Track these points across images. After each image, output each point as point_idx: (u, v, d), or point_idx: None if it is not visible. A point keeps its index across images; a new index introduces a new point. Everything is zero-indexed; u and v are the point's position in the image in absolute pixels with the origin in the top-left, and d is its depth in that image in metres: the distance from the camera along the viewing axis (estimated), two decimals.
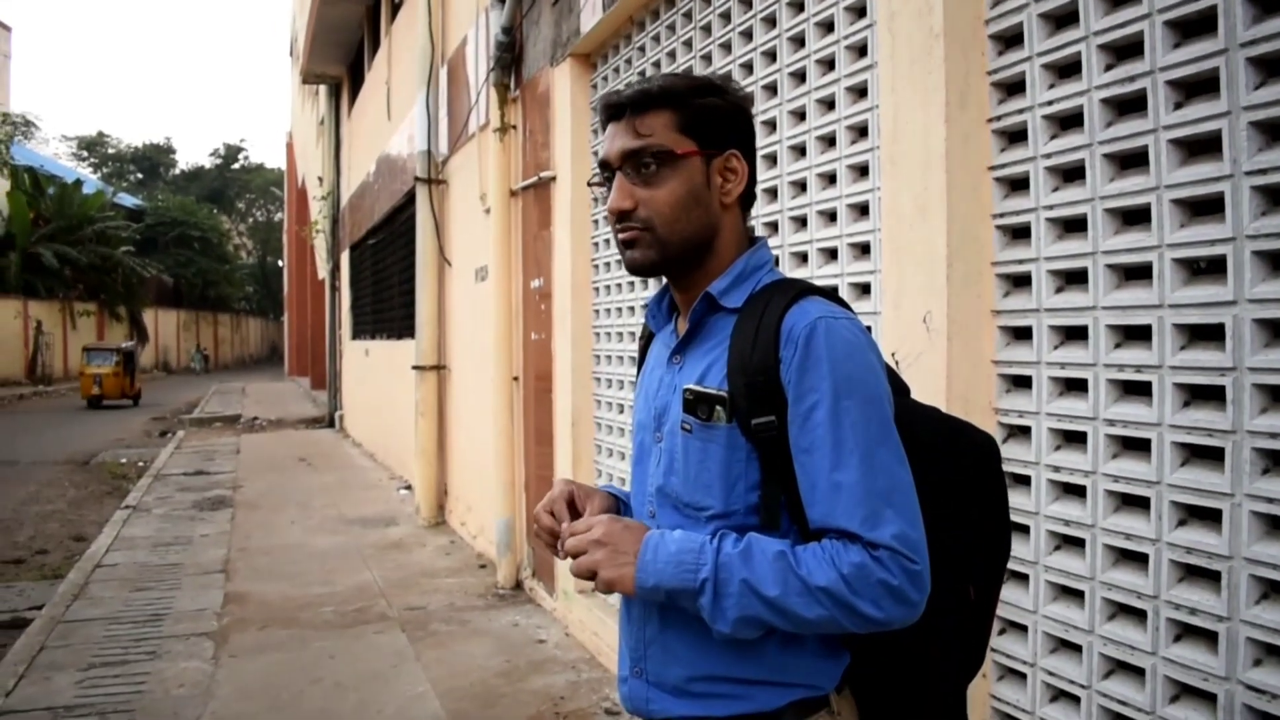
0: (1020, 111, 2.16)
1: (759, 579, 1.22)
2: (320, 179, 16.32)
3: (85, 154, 54.68)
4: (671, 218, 1.33)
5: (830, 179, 2.85)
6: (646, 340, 1.57)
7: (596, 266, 4.86)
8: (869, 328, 2.56)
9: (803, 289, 1.32)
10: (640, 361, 1.59)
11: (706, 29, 3.56)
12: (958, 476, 1.35)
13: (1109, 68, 1.98)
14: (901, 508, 1.21)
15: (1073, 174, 2.08)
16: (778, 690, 1.30)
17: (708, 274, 1.38)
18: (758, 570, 1.23)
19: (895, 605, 1.19)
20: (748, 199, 1.41)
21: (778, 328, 1.26)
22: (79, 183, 33.55)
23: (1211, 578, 1.80)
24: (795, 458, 1.25)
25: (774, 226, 3.11)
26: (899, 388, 1.44)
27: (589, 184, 1.44)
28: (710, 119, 1.34)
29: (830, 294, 1.34)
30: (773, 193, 3.13)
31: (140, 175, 56.38)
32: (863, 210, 2.71)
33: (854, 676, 1.35)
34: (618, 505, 1.49)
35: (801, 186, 3.00)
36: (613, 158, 1.36)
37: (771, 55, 3.14)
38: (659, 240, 1.34)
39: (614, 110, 1.37)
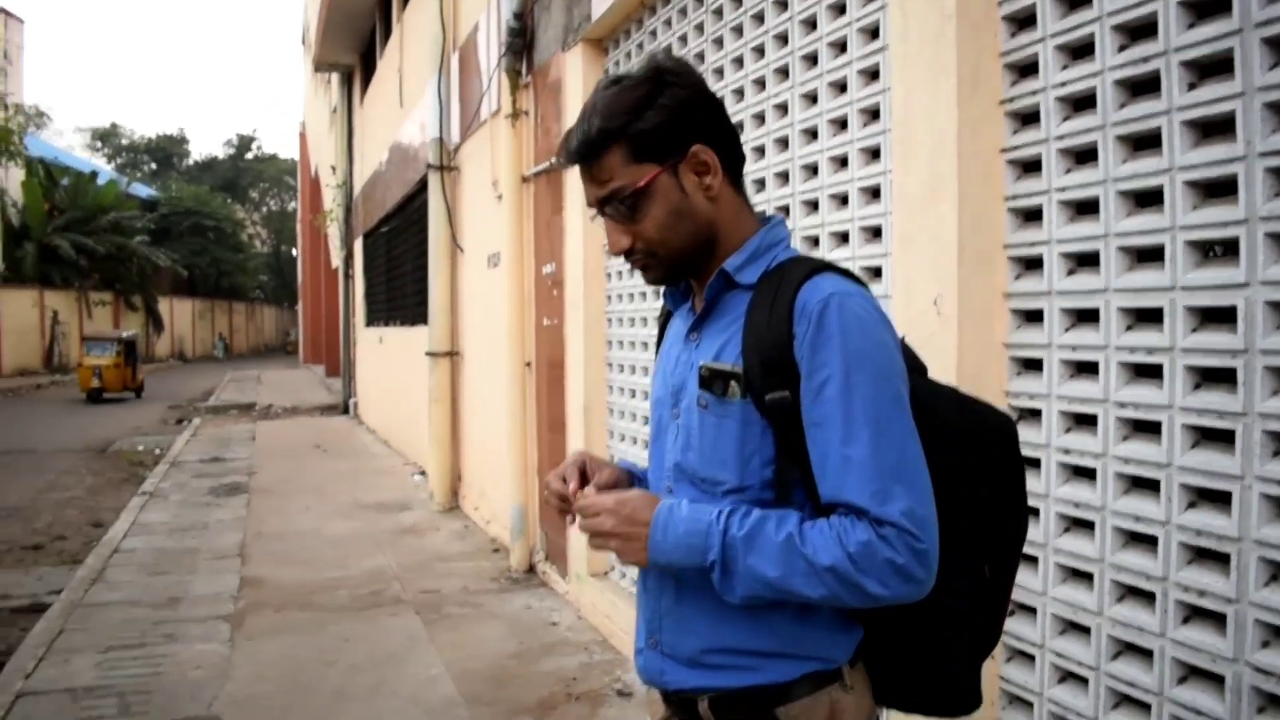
0: (1033, 93, 2.15)
1: (763, 563, 1.24)
2: (333, 168, 16.33)
3: (99, 145, 54.90)
4: (663, 240, 1.35)
5: (842, 162, 2.84)
6: (665, 317, 1.58)
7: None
8: None
9: (817, 265, 1.32)
10: (660, 339, 1.60)
11: (718, 12, 3.54)
12: (974, 456, 1.35)
13: (1122, 48, 1.96)
14: (911, 484, 1.22)
15: (1085, 156, 2.07)
16: (791, 663, 1.31)
17: (720, 258, 1.39)
18: (763, 553, 1.24)
19: (901, 583, 1.21)
20: (735, 170, 1.39)
21: (791, 303, 1.27)
22: (94, 174, 33.69)
23: (1221, 560, 1.79)
24: (807, 432, 1.26)
25: (786, 210, 3.09)
26: (916, 366, 1.44)
27: (591, 219, 1.44)
28: (657, 134, 1.31)
29: (846, 271, 1.34)
30: (784, 177, 3.12)
31: (154, 165, 56.59)
32: (874, 194, 2.70)
33: (867, 650, 1.36)
34: (631, 480, 1.50)
35: (813, 170, 2.98)
36: (592, 204, 1.38)
37: (783, 39, 3.12)
38: (662, 261, 1.37)
39: (570, 161, 1.37)
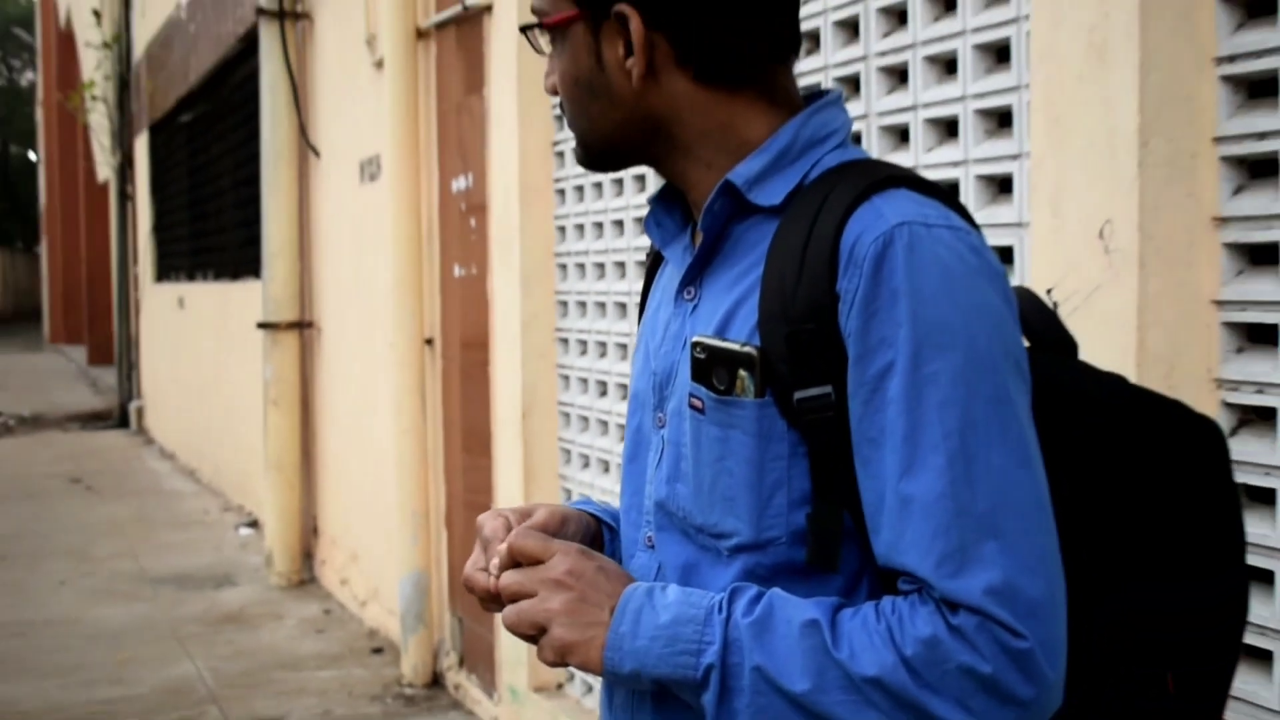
0: None
1: (779, 667, 1.24)
2: (97, 14, 16.16)
3: None
4: (572, 111, 1.46)
5: (946, 2, 2.83)
6: (654, 260, 1.63)
7: (561, 155, 4.85)
8: (1008, 250, 2.59)
9: (883, 176, 1.33)
10: (644, 295, 1.63)
11: None
12: (1154, 489, 1.36)
13: None
14: (1013, 543, 1.21)
15: None
16: None
17: (697, 165, 1.43)
18: (778, 652, 1.25)
19: (992, 705, 1.20)
20: (716, 68, 1.40)
21: (835, 241, 1.28)
22: None
23: None
24: (856, 453, 1.28)
25: (853, 82, 3.10)
26: (1054, 342, 1.47)
27: (522, 29, 1.49)
28: None
29: (930, 185, 1.35)
30: (852, 27, 3.12)
31: None
32: (1000, 54, 2.69)
33: None
34: (600, 531, 1.57)
35: (899, 15, 2.97)
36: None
37: None
38: (578, 136, 1.48)
39: None
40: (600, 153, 1.47)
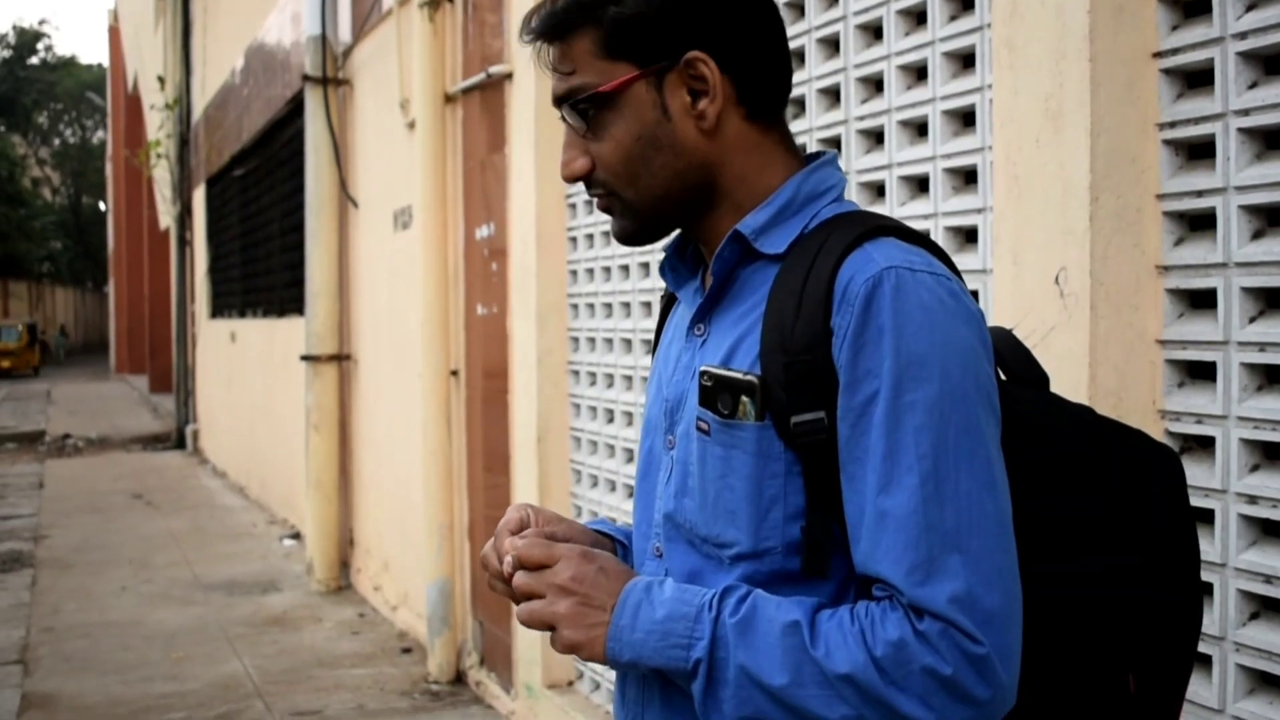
0: None
1: (760, 663, 1.26)
2: (161, 79, 16.28)
3: None
4: (627, 176, 1.40)
5: (918, 73, 2.86)
6: (668, 302, 1.64)
7: (574, 206, 4.88)
8: (974, 293, 2.56)
9: (874, 226, 1.35)
10: (658, 333, 1.65)
11: None
12: (1117, 511, 1.37)
13: None
14: (976, 557, 1.22)
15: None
16: None
17: (730, 215, 1.43)
18: (760, 649, 1.27)
19: (951, 703, 1.21)
20: (762, 97, 1.42)
21: (830, 282, 1.30)
22: None
23: None
24: (843, 470, 1.29)
25: (835, 143, 3.13)
26: (1032, 377, 1.49)
27: (555, 103, 1.46)
28: (645, 23, 1.36)
29: (916, 235, 1.37)
30: (834, 94, 3.15)
31: None
32: (966, 119, 2.72)
33: None
34: (614, 548, 1.57)
35: (876, 84, 3.00)
36: (554, 102, 1.44)
37: None
38: (628, 206, 1.43)
39: (530, 34, 1.42)
40: (648, 218, 1.44)
